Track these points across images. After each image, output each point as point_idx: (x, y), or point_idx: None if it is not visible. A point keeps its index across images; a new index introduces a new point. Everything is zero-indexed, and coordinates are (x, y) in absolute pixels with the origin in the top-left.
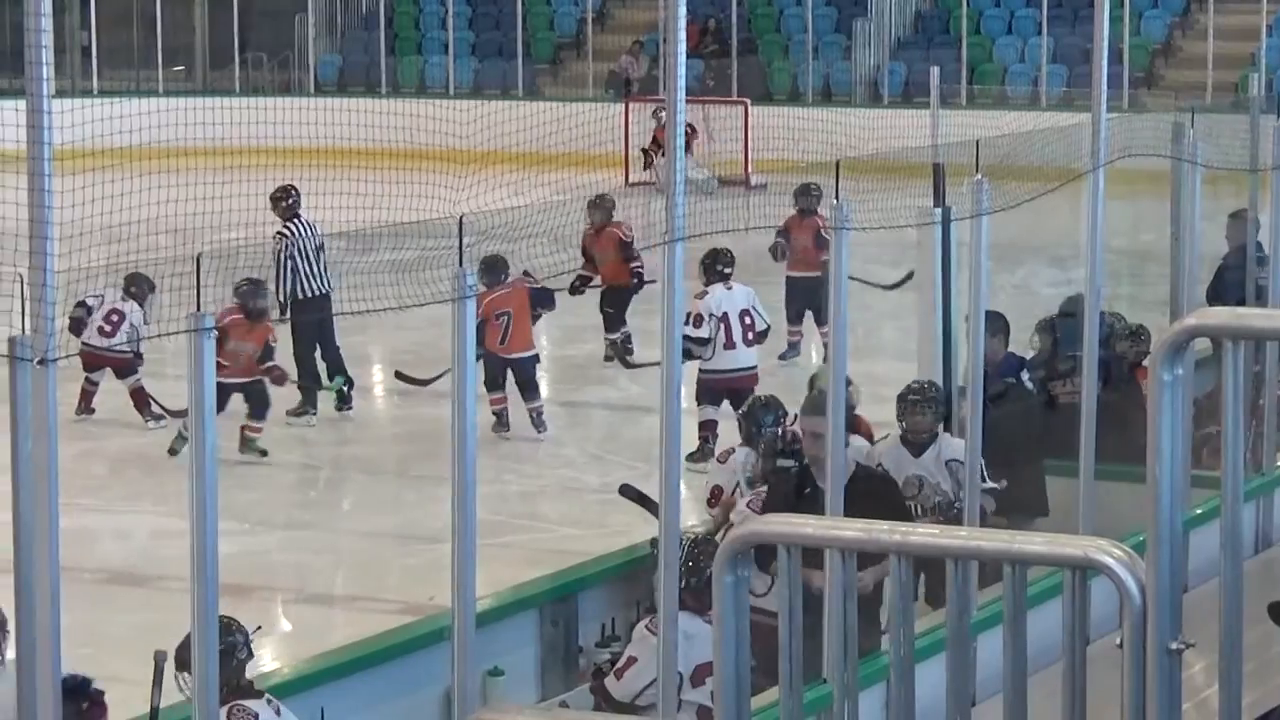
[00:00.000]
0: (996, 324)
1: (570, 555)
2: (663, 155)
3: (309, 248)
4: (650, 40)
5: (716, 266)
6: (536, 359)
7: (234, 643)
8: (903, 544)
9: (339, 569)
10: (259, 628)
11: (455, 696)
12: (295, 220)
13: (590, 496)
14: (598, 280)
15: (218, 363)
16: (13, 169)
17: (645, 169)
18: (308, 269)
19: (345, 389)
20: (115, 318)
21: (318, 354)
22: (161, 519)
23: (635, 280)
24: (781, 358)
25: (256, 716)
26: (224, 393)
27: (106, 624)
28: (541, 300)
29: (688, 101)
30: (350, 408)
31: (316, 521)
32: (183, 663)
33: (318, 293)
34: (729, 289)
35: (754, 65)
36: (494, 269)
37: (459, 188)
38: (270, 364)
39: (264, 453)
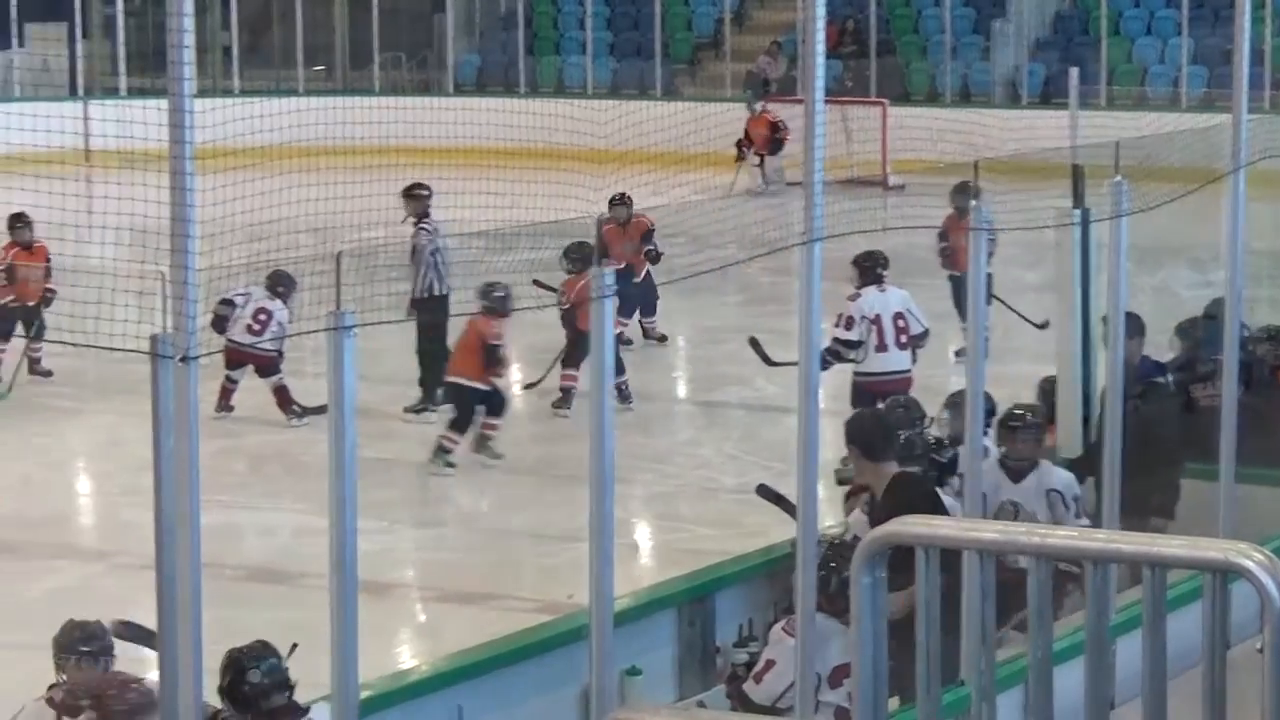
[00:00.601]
0: (1133, 326)
1: (707, 555)
2: (752, 149)
3: (439, 245)
4: (788, 41)
5: (874, 269)
6: (620, 338)
7: (242, 666)
8: (1041, 546)
9: (477, 567)
10: (295, 646)
11: (593, 696)
12: (428, 219)
13: (727, 497)
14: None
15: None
16: (155, 167)
17: (737, 160)
18: (439, 268)
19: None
20: (263, 316)
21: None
22: (302, 516)
23: (653, 256)
24: (958, 354)
25: None
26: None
27: (247, 621)
28: None
29: (826, 102)
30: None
31: (455, 520)
32: (220, 690)
33: (446, 291)
34: (883, 291)
35: (892, 66)
36: (583, 256)
37: (596, 187)
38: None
39: (500, 455)
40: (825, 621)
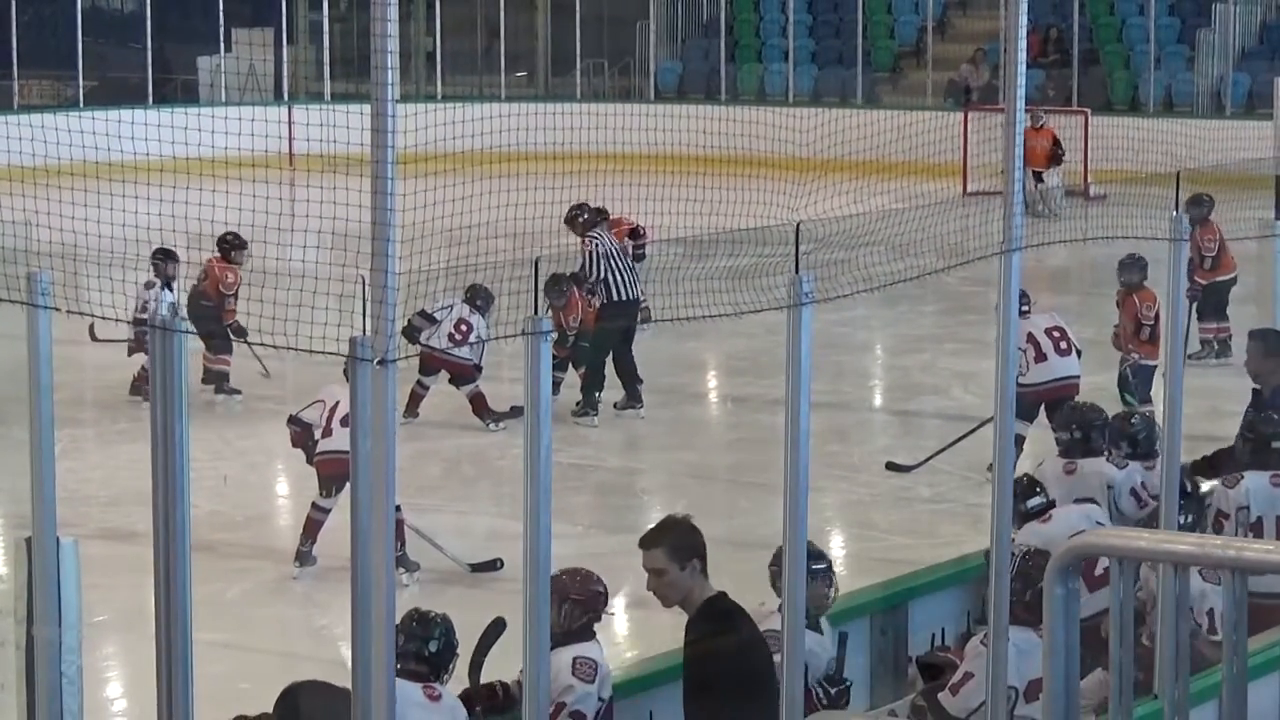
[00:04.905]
0: None
1: (901, 565)
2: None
3: (614, 251)
4: (991, 49)
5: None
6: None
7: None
8: (1238, 559)
9: None
10: None
11: (784, 703)
12: (595, 229)
13: (922, 506)
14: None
15: None
16: (356, 172)
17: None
18: (617, 273)
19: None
20: (464, 327)
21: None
22: (496, 520)
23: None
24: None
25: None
26: None
27: None
28: None
29: (1027, 110)
30: (640, 405)
31: (648, 525)
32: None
33: (626, 297)
34: (1024, 318)
35: (1095, 75)
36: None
37: (796, 195)
38: None
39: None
40: (1025, 634)
